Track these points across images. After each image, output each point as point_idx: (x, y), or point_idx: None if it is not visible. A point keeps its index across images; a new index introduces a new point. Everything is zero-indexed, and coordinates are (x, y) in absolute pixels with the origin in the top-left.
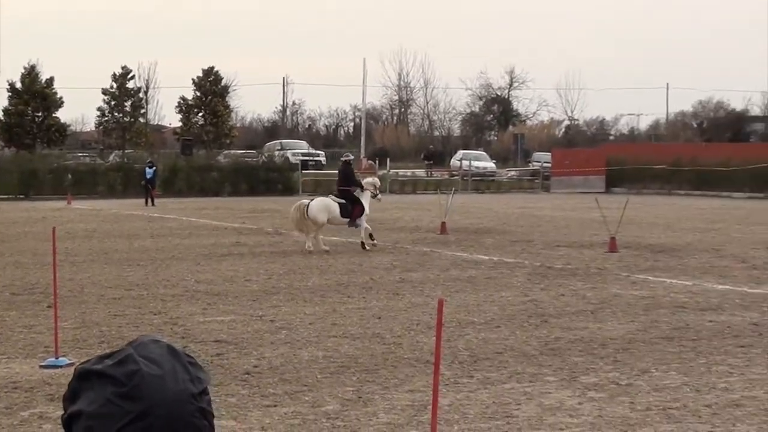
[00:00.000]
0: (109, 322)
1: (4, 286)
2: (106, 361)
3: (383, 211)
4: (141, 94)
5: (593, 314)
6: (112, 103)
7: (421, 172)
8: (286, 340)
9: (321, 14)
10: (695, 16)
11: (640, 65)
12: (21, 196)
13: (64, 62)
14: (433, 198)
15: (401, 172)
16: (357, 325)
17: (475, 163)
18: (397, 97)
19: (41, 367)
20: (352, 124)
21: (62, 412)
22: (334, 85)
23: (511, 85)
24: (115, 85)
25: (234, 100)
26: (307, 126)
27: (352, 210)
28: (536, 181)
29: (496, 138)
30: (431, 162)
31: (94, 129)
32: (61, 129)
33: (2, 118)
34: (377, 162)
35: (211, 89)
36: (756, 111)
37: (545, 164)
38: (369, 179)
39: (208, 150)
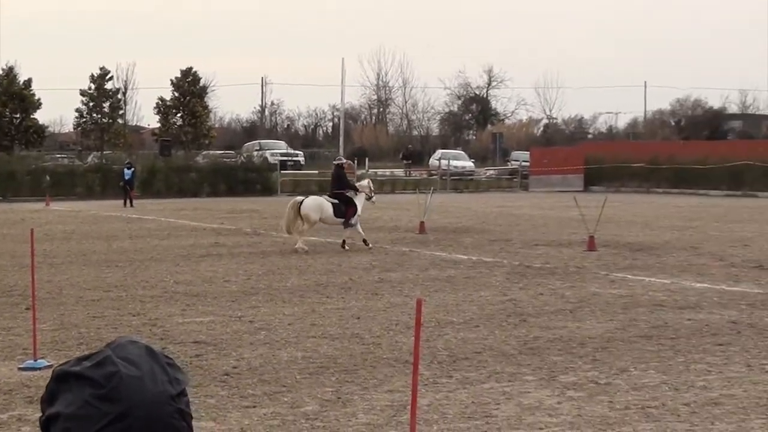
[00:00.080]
0: (88, 323)
1: None
2: (84, 362)
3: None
4: (119, 95)
5: (572, 313)
6: (91, 104)
7: (399, 172)
8: (265, 341)
9: (299, 14)
10: (673, 15)
11: (618, 64)
12: None
13: (42, 64)
14: (411, 197)
15: (380, 171)
16: (336, 326)
17: (454, 163)
18: (375, 97)
19: (20, 369)
20: (330, 124)
21: (40, 414)
22: (313, 85)
23: (489, 84)
24: (93, 86)
25: (212, 101)
26: (285, 126)
27: (345, 210)
28: (515, 180)
29: (474, 137)
30: (410, 161)
31: (72, 130)
32: (40, 130)
33: None
34: (356, 162)
35: (189, 90)
36: (733, 109)
37: (524, 163)
38: (364, 182)
39: (187, 151)
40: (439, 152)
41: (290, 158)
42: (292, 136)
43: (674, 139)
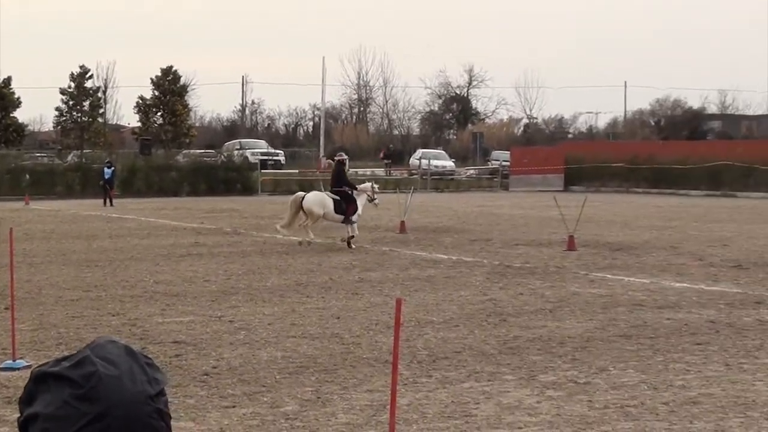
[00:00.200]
0: (67, 323)
1: None
2: (63, 363)
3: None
4: (99, 94)
5: (552, 313)
6: (71, 102)
7: (380, 171)
8: (245, 341)
9: (280, 14)
10: (653, 15)
11: (598, 64)
12: None
13: (22, 62)
14: (392, 197)
15: (360, 171)
16: (316, 325)
17: (435, 162)
18: (356, 96)
19: None
20: (311, 123)
21: (18, 415)
22: (294, 84)
23: (470, 84)
24: (73, 85)
25: (193, 100)
26: (266, 125)
27: (346, 208)
28: (495, 179)
29: (455, 137)
30: (390, 161)
31: (52, 129)
32: (19, 129)
33: None
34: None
35: (169, 88)
36: (713, 109)
37: (504, 163)
38: (366, 184)
39: (167, 150)
40: (419, 152)
41: (271, 157)
42: (272, 136)
43: (654, 139)
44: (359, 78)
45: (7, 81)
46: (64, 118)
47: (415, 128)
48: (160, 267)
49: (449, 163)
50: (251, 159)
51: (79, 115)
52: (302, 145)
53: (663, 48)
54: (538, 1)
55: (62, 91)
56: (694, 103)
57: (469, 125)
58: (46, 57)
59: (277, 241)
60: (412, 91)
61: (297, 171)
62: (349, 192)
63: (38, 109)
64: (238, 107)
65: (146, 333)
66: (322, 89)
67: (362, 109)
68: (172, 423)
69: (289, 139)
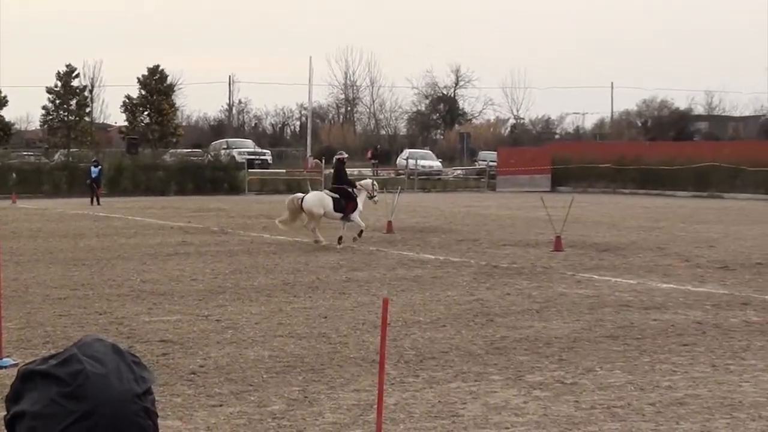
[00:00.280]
0: (54, 322)
1: None
2: (50, 361)
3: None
4: (86, 93)
5: (538, 313)
6: (57, 101)
7: (367, 171)
8: (232, 340)
9: (267, 13)
10: (640, 16)
11: (585, 64)
12: None
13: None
14: (379, 197)
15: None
16: (303, 325)
17: (422, 162)
18: (343, 96)
19: None
20: (298, 122)
21: (5, 413)
22: (281, 83)
23: (456, 84)
24: (59, 84)
25: (180, 99)
26: (253, 125)
27: (345, 205)
28: (482, 180)
29: (442, 137)
30: (377, 161)
31: (39, 128)
32: (6, 128)
33: None
34: (323, 161)
35: (156, 88)
36: (699, 110)
37: (491, 163)
38: (366, 181)
39: (154, 149)
40: (406, 152)
41: (257, 157)
42: (259, 135)
43: (641, 140)
44: (346, 78)
45: None
46: (50, 117)
47: (402, 128)
48: (147, 266)
49: (436, 164)
50: (238, 158)
51: (66, 114)
52: (289, 144)
53: (650, 49)
54: (527, 2)
55: (49, 90)
56: (681, 104)
57: (456, 125)
58: (32, 56)
59: (264, 241)
60: (399, 91)
61: (284, 170)
62: (350, 190)
63: (25, 107)
64: (225, 107)
65: (133, 332)
66: (309, 89)
67: (349, 108)
68: (159, 421)
69: (276, 138)
